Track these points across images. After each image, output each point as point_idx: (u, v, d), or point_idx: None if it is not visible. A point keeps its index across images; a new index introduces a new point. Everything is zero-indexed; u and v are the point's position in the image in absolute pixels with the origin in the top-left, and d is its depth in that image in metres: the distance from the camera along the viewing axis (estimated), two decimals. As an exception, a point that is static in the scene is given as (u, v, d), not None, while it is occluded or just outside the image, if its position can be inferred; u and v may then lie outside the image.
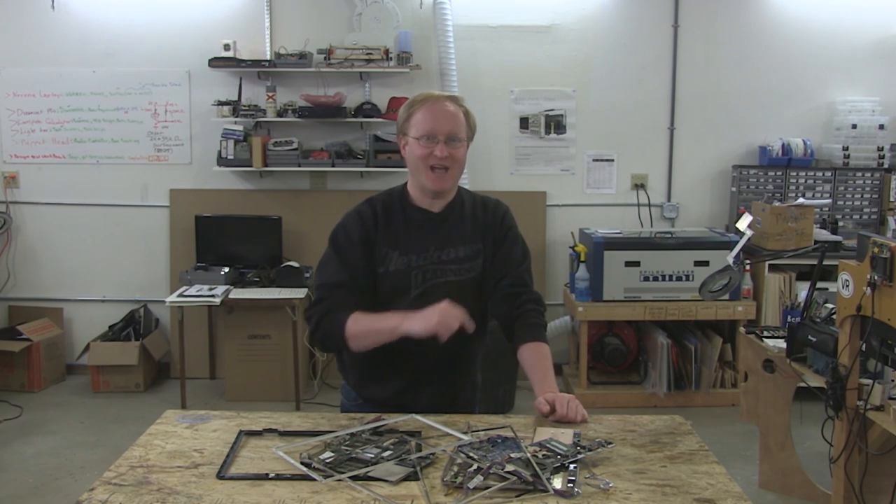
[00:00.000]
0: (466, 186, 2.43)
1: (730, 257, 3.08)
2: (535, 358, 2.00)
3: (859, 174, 4.89)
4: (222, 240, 4.89)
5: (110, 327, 5.01)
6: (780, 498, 3.41)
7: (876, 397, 2.41)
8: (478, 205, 2.13)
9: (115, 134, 5.02)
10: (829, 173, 4.90)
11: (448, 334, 1.83)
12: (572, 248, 4.78)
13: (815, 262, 3.55)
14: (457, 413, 1.95)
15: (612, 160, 5.10)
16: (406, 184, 2.11)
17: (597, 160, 5.10)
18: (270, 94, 4.77)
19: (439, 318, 1.82)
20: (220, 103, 4.80)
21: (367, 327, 1.91)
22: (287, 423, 1.87)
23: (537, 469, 1.53)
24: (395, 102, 4.83)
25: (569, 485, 1.51)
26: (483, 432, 1.76)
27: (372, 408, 2.01)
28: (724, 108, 5.05)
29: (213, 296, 4.39)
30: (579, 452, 1.63)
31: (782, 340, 3.11)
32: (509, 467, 1.53)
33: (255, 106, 4.81)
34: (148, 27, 4.92)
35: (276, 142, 4.84)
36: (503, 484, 1.49)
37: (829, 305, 2.90)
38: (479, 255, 2.06)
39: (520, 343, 2.04)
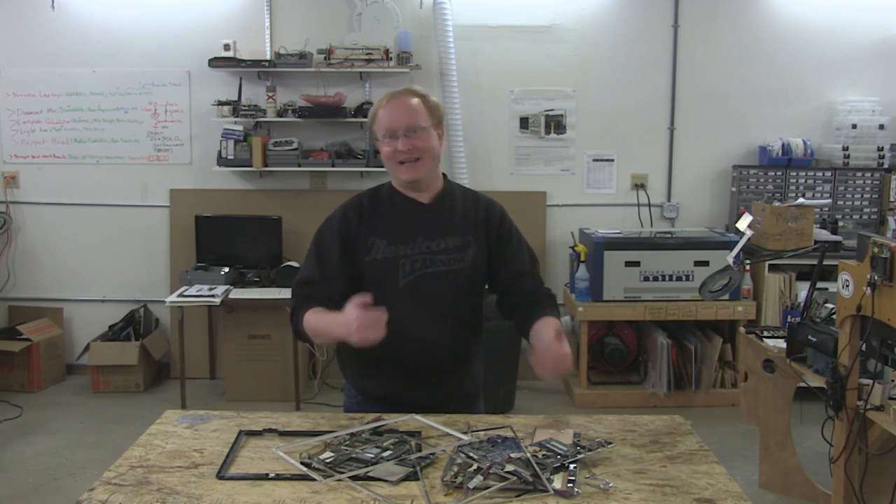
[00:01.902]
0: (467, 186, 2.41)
1: (730, 257, 3.08)
2: (541, 323, 1.94)
3: (859, 174, 4.89)
4: (222, 240, 4.89)
5: (110, 327, 5.01)
6: (780, 498, 3.41)
7: (876, 397, 2.41)
8: (469, 198, 2.14)
9: (115, 134, 5.02)
10: (829, 173, 4.90)
11: (366, 343, 1.76)
12: (572, 248, 4.78)
13: (815, 262, 3.55)
14: (458, 408, 1.95)
15: (612, 160, 5.10)
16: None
17: (597, 160, 5.10)
18: (270, 94, 4.77)
19: (357, 325, 1.75)
20: (220, 103, 4.80)
21: (314, 329, 1.94)
22: (287, 423, 1.87)
23: (537, 469, 1.53)
24: (395, 102, 4.83)
25: (569, 485, 1.51)
26: (483, 432, 1.76)
27: (372, 404, 2.01)
28: (724, 108, 5.05)
29: (213, 296, 4.39)
30: (579, 452, 1.63)
31: (782, 340, 3.10)
32: (509, 467, 1.53)
33: (255, 106, 4.81)
34: (148, 27, 4.92)
35: (276, 142, 4.84)
36: (503, 484, 1.49)
37: (829, 305, 2.90)
38: (468, 247, 2.05)
39: (532, 322, 1.96)
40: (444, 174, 2.15)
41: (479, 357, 2.19)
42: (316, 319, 1.93)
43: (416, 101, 2.02)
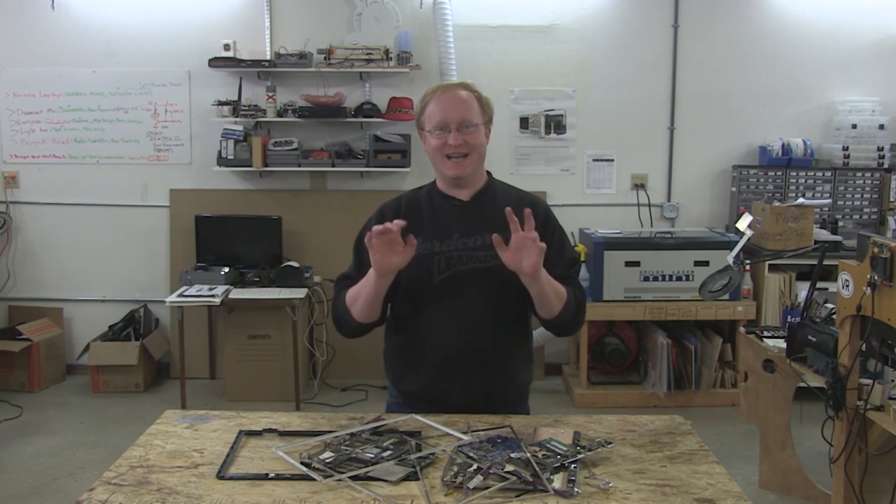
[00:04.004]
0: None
1: (730, 257, 3.08)
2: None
3: (859, 174, 4.89)
4: (222, 240, 4.89)
5: (110, 327, 5.01)
6: (780, 498, 3.41)
7: (876, 397, 2.41)
8: (511, 196, 2.09)
9: (115, 134, 5.02)
10: (829, 173, 4.90)
11: (389, 266, 1.85)
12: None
13: (815, 262, 3.55)
14: (500, 411, 1.93)
15: (612, 160, 5.10)
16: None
17: (597, 160, 5.10)
18: (270, 94, 4.77)
19: (372, 242, 1.83)
20: (220, 103, 4.80)
21: (355, 290, 2.00)
22: (287, 423, 1.87)
23: (537, 469, 1.53)
24: (395, 102, 4.83)
25: (569, 485, 1.51)
26: (483, 432, 1.76)
27: (409, 404, 2.01)
28: (724, 108, 5.05)
29: (213, 296, 4.39)
30: (579, 452, 1.63)
31: (782, 340, 3.11)
32: (509, 467, 1.53)
33: (255, 106, 4.81)
34: (148, 27, 4.92)
35: (276, 142, 4.84)
36: (503, 484, 1.49)
37: (829, 305, 2.90)
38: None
39: None
40: (488, 172, 2.12)
41: (525, 360, 2.12)
42: (355, 287, 2.00)
43: (469, 95, 2.01)
